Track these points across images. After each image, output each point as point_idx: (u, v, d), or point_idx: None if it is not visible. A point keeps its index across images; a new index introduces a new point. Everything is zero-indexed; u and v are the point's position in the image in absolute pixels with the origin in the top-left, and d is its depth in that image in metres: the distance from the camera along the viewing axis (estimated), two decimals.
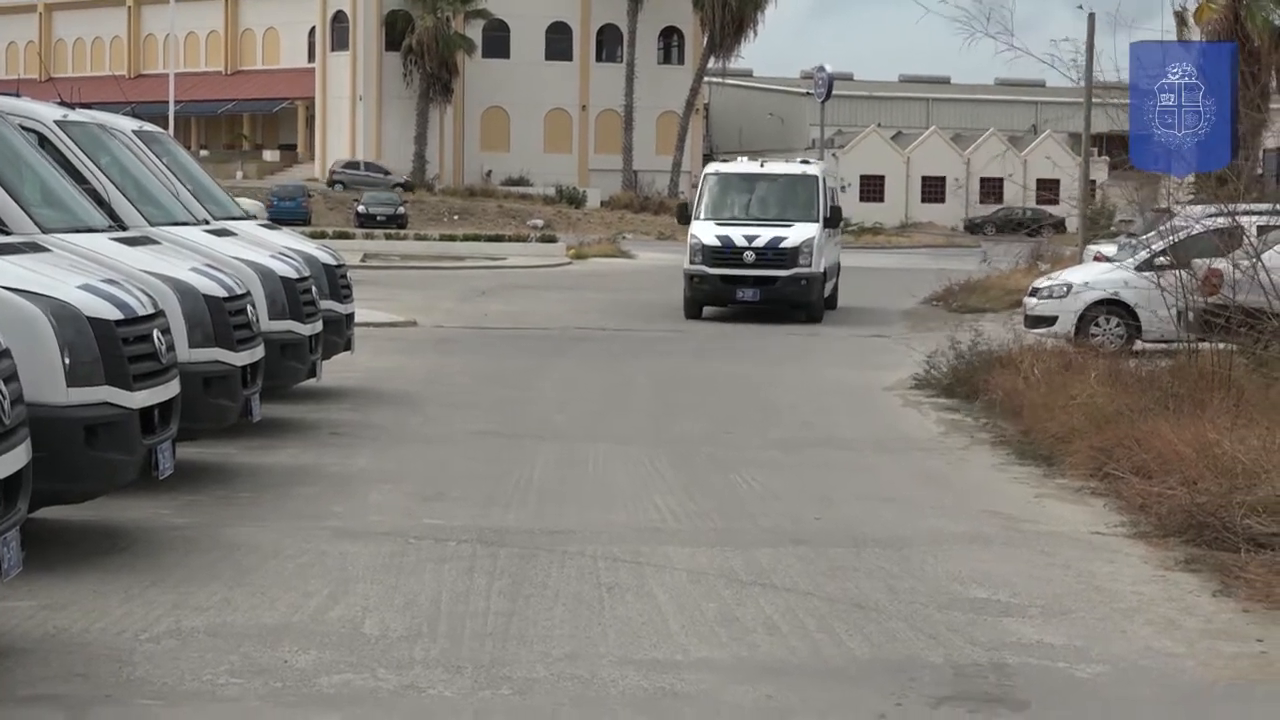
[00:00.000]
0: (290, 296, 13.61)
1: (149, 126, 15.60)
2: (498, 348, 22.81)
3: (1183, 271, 15.96)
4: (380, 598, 8.37)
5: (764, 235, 28.17)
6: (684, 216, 30.86)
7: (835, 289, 31.14)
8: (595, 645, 7.61)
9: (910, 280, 37.63)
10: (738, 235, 28.31)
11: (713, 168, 31.54)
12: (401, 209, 69.94)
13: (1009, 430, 14.72)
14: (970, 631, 8.00)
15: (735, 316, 29.04)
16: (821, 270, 28.39)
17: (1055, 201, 78.74)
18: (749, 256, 27.97)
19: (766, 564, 9.35)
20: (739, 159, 32.87)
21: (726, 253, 28.10)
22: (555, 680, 7.08)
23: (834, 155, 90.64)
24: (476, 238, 57.16)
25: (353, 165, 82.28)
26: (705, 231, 28.70)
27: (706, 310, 29.12)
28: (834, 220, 30.04)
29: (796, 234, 28.20)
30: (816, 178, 29.84)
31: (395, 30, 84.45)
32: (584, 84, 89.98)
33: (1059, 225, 64.05)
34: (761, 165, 30.95)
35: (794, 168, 30.78)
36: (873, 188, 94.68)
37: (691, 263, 28.55)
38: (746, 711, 6.80)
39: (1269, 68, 44.61)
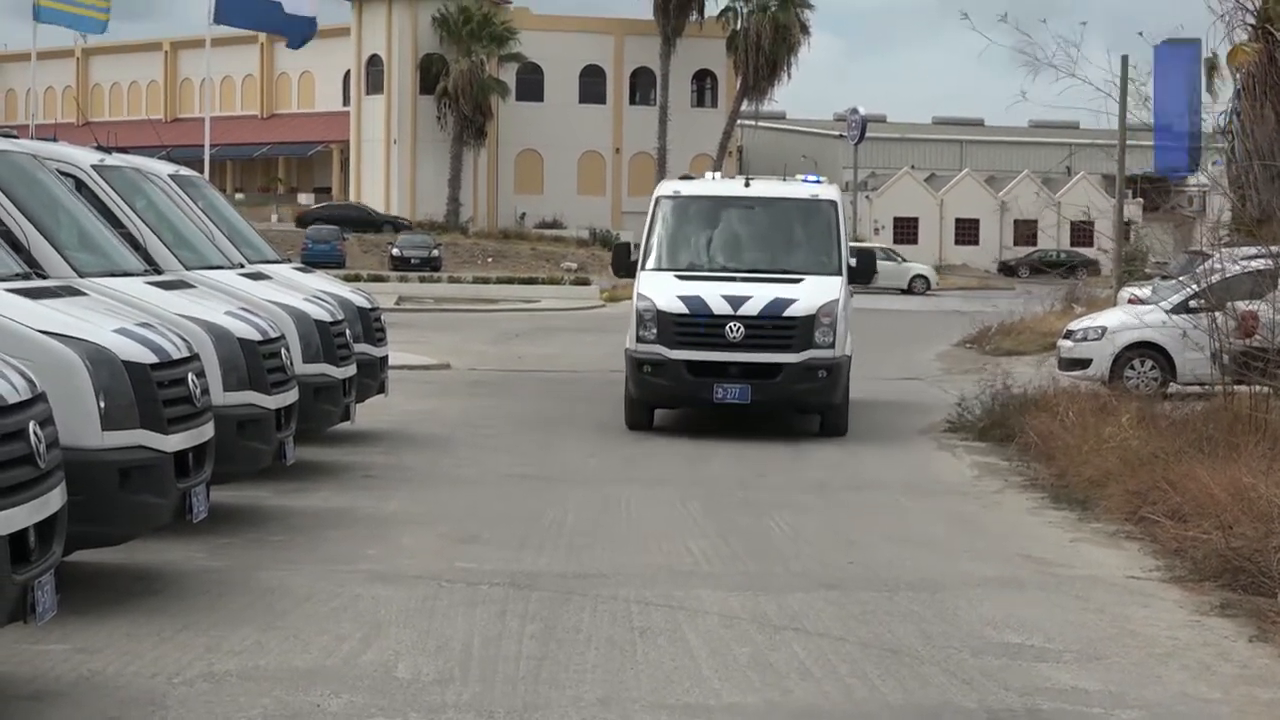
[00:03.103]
0: (324, 339, 13.66)
1: (185, 170, 15.72)
2: (531, 390, 22.83)
3: (1219, 314, 15.93)
4: (413, 641, 8.38)
5: (758, 296, 17.63)
6: (623, 265, 19.89)
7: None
8: (628, 689, 7.60)
9: (944, 323, 37.53)
10: (713, 296, 17.66)
11: (668, 188, 19.96)
12: (435, 252, 70.17)
13: (1043, 473, 14.68)
14: (1004, 677, 7.96)
15: None
16: (848, 352, 18.00)
17: (1090, 243, 78.72)
18: (734, 331, 17.40)
19: (799, 608, 9.33)
20: (708, 174, 21.46)
21: (697, 324, 17.56)
22: None
23: (867, 198, 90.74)
24: (510, 280, 57.31)
25: None
26: (660, 289, 17.97)
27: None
28: (865, 270, 19.30)
29: (810, 294, 17.78)
30: (834, 204, 19.19)
31: (430, 74, 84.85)
32: (617, 127, 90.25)
33: (1093, 267, 63.98)
34: (747, 185, 19.85)
35: (798, 189, 19.57)
36: (906, 230, 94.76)
37: (639, 340, 17.80)
38: None
39: None
